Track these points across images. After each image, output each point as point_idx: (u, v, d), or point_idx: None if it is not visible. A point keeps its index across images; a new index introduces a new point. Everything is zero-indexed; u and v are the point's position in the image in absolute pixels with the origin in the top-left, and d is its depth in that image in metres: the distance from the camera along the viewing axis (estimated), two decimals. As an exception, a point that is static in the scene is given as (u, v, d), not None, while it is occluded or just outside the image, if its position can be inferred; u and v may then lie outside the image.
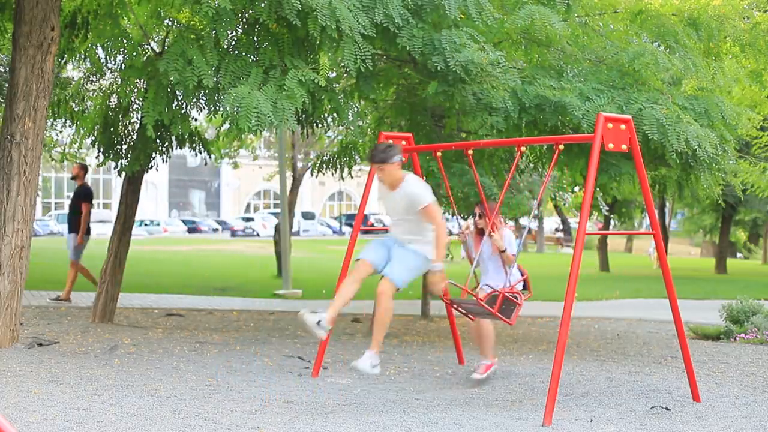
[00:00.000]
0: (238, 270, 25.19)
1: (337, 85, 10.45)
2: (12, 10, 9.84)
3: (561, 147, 7.70)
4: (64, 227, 53.38)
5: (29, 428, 5.90)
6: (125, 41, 10.13)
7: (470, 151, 8.54)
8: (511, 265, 8.24)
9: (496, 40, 10.02)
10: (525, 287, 8.49)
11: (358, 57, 8.67)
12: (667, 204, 35.46)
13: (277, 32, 9.17)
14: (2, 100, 13.23)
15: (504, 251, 8.28)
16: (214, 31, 9.06)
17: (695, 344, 11.31)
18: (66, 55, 11.08)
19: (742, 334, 11.89)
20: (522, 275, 8.44)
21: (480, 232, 8.51)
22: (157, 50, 10.74)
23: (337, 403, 7.32)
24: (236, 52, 9.33)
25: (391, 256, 7.31)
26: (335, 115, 10.22)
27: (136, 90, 10.61)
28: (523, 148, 8.19)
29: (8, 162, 9.11)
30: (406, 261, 7.26)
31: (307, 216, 59.64)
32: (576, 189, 17.27)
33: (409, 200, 7.30)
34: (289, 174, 23.30)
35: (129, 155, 11.34)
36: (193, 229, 58.93)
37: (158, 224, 57.91)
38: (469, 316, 8.30)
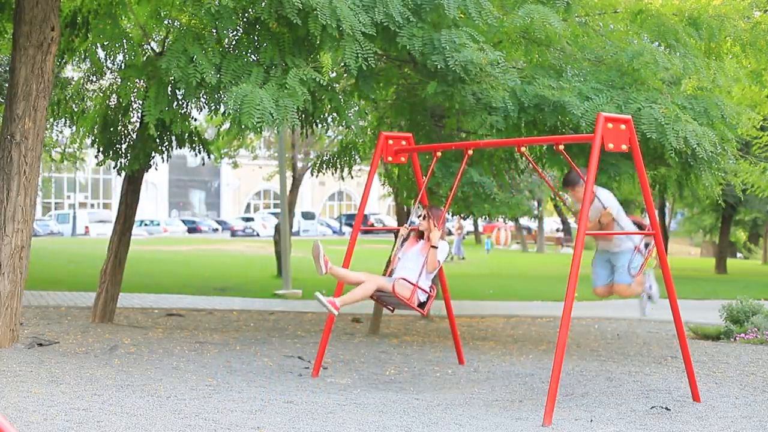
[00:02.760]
0: (238, 270, 25.19)
1: (337, 85, 10.45)
2: (12, 10, 9.84)
3: (561, 147, 7.70)
4: (64, 227, 53.47)
5: (29, 428, 5.89)
6: (125, 41, 10.13)
7: (470, 151, 8.53)
8: (433, 271, 8.04)
9: (496, 39, 10.02)
10: (425, 303, 8.06)
11: (359, 56, 8.67)
12: (667, 204, 35.44)
13: (277, 31, 9.17)
14: (2, 100, 13.23)
15: (435, 248, 7.98)
16: (214, 31, 9.07)
17: (695, 344, 11.31)
18: (66, 55, 11.08)
19: (742, 334, 11.89)
20: (431, 293, 8.08)
21: (419, 236, 8.23)
22: (157, 50, 10.75)
23: (337, 403, 7.33)
24: (237, 51, 9.33)
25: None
26: (335, 114, 10.22)
27: (135, 90, 10.62)
28: (522, 148, 8.19)
29: (8, 162, 9.12)
30: None
31: (307, 216, 59.60)
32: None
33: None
34: (289, 174, 23.30)
35: (129, 154, 11.36)
36: (193, 229, 58.87)
37: (158, 224, 57.85)
38: (388, 307, 8.33)
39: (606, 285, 8.27)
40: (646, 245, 8.12)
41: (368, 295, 8.00)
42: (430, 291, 8.08)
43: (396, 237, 8.54)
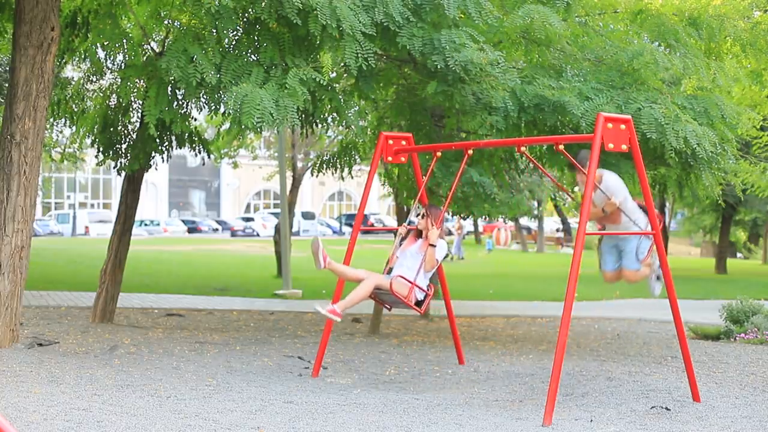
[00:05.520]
0: (238, 270, 25.19)
1: (337, 85, 10.46)
2: (12, 10, 9.84)
3: (561, 147, 7.70)
4: (64, 227, 53.49)
5: (29, 428, 5.89)
6: (125, 41, 10.14)
7: (470, 151, 8.53)
8: (431, 269, 8.00)
9: (496, 39, 10.02)
10: (422, 302, 8.04)
11: (359, 55, 8.67)
12: (667, 204, 35.42)
13: (277, 31, 9.17)
14: (2, 100, 13.22)
15: (433, 246, 7.92)
16: (214, 31, 9.07)
17: (695, 344, 11.30)
18: (66, 55, 11.08)
19: (742, 334, 11.89)
20: (428, 291, 8.04)
21: (418, 234, 8.21)
22: (157, 50, 10.75)
23: (337, 403, 7.33)
24: (237, 51, 9.34)
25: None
26: (335, 114, 10.22)
27: (135, 90, 10.62)
28: (522, 148, 8.19)
29: (8, 162, 9.12)
30: None
31: (307, 216, 59.60)
32: (576, 189, 17.28)
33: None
34: (289, 174, 23.29)
35: (129, 154, 11.36)
36: (193, 229, 58.89)
37: (158, 224, 57.88)
38: (385, 305, 8.27)
39: (614, 270, 8.21)
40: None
41: (368, 294, 7.94)
42: (428, 290, 8.02)
43: (395, 236, 8.53)
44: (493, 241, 43.69)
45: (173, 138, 11.35)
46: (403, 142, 9.07)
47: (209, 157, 12.38)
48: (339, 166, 12.59)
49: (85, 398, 6.97)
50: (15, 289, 9.15)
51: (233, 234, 55.74)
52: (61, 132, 16.85)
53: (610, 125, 7.18)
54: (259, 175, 40.86)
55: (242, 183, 68.64)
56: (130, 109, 11.51)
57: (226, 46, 9.37)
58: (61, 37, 9.92)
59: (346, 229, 58.02)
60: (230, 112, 8.50)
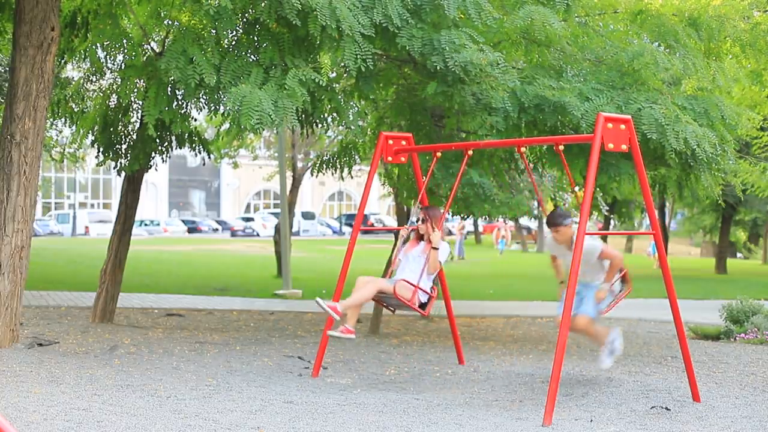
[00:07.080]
0: (238, 270, 25.19)
1: (336, 85, 10.45)
2: (12, 10, 9.84)
3: (561, 147, 7.71)
4: (64, 227, 53.49)
5: (29, 428, 5.89)
6: (125, 41, 10.14)
7: (470, 152, 8.54)
8: (434, 272, 8.14)
9: (496, 40, 10.02)
10: (426, 304, 8.18)
11: (358, 57, 8.67)
12: (667, 204, 35.44)
13: (277, 32, 9.17)
14: (2, 100, 13.22)
15: (436, 249, 8.03)
16: (213, 31, 9.08)
17: (695, 344, 11.31)
18: (66, 55, 11.08)
19: (742, 334, 11.89)
20: (432, 293, 8.18)
21: (419, 237, 8.32)
22: (157, 50, 10.75)
23: (337, 403, 7.33)
24: (236, 51, 9.34)
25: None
26: (335, 114, 10.22)
27: (135, 90, 10.62)
28: (522, 149, 8.20)
29: (8, 162, 9.12)
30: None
31: (307, 216, 59.62)
32: (576, 189, 17.28)
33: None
34: (289, 174, 23.30)
35: (129, 155, 11.36)
36: (193, 229, 58.92)
37: (158, 224, 57.92)
38: (389, 308, 8.45)
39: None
40: (620, 290, 8.02)
41: (369, 297, 8.06)
42: (431, 292, 8.15)
43: (396, 237, 8.56)
44: (505, 241, 43.54)
45: (173, 138, 11.36)
46: (403, 142, 9.07)
47: (209, 157, 12.38)
48: (339, 166, 12.59)
49: (85, 398, 6.97)
50: (15, 289, 9.15)
51: (233, 234, 55.76)
52: (60, 132, 16.86)
53: (610, 125, 7.18)
54: (259, 175, 40.87)
55: (242, 183, 68.66)
56: (130, 109, 11.51)
57: (226, 46, 9.37)
58: (61, 37, 9.92)
59: (346, 229, 58.01)
60: (229, 112, 8.50)
